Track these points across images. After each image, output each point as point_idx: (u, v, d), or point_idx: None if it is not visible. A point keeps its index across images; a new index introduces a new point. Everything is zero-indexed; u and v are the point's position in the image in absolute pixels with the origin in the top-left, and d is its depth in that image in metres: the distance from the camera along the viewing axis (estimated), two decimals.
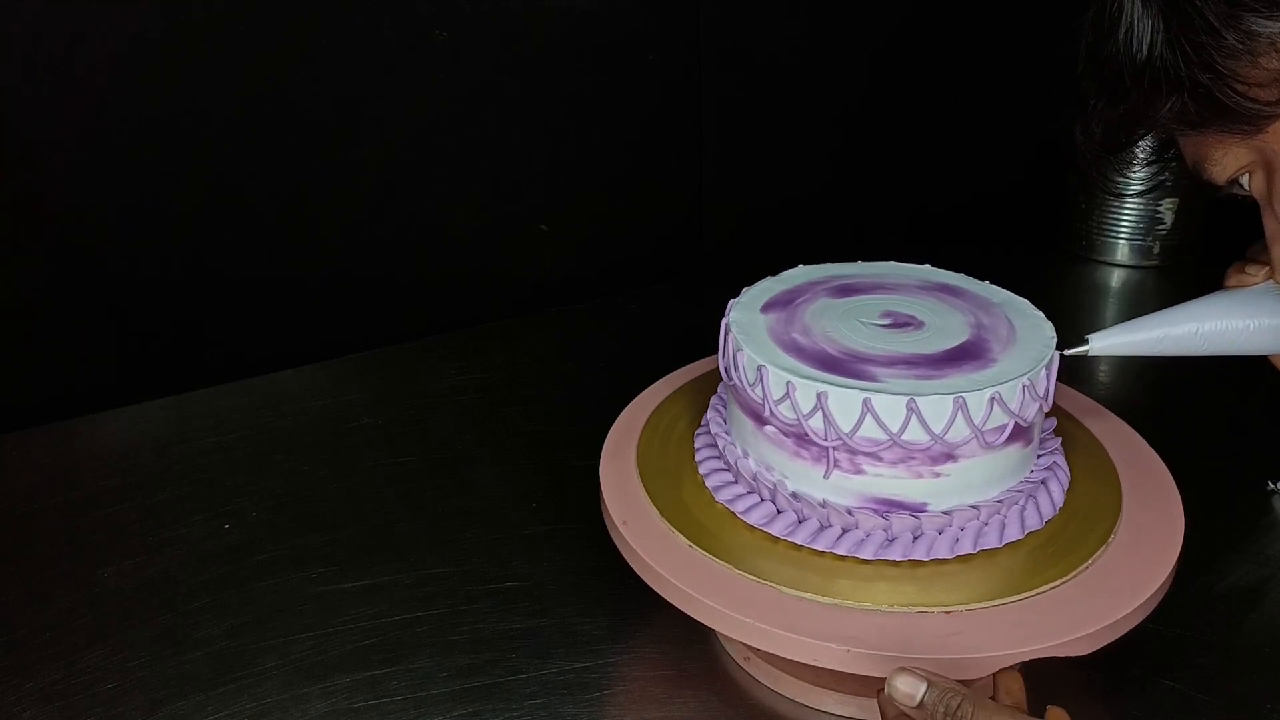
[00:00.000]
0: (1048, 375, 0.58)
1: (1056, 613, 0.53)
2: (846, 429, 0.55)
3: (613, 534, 0.61)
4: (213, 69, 0.88)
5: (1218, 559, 0.70)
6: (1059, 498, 0.61)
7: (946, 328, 0.61)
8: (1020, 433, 0.57)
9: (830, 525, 0.57)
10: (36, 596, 0.68)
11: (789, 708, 0.60)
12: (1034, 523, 0.58)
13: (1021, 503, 0.59)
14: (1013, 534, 0.57)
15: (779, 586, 0.55)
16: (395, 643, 0.64)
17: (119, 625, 0.66)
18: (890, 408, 0.54)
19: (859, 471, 0.56)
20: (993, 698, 0.50)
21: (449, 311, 1.05)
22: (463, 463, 0.83)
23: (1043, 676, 0.52)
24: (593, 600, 0.67)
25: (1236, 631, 0.65)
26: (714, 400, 0.67)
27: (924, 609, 0.53)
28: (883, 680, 0.47)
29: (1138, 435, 0.68)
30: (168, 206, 0.91)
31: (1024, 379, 0.55)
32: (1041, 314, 0.63)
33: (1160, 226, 1.13)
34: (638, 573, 0.58)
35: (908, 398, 0.54)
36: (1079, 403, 0.71)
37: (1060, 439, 0.64)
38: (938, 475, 0.56)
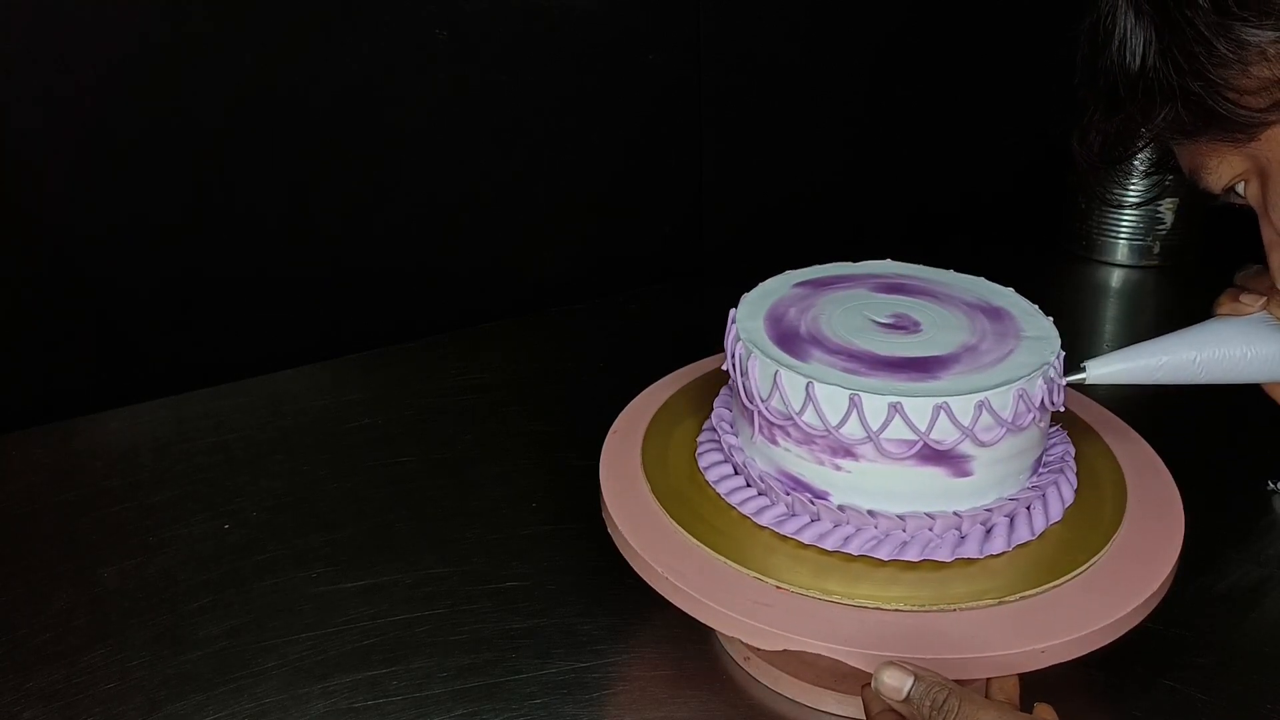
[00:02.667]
0: (986, 409, 0.54)
1: (1056, 613, 0.53)
2: (763, 396, 0.58)
3: (613, 534, 0.61)
4: (212, 67, 0.88)
5: (1218, 559, 0.70)
6: (1036, 525, 0.58)
7: (935, 340, 0.60)
8: (937, 456, 0.55)
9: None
10: (36, 596, 0.68)
11: (789, 708, 0.60)
12: (943, 552, 0.56)
13: (936, 529, 0.57)
14: (912, 554, 0.55)
15: (782, 584, 0.55)
16: (395, 643, 0.64)
17: (119, 625, 0.66)
18: (794, 385, 0.56)
19: (774, 442, 0.59)
20: (986, 695, 0.50)
21: (449, 311, 1.05)
22: (463, 463, 0.83)
23: (1043, 676, 0.52)
24: (593, 600, 0.67)
25: (1236, 631, 0.65)
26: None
27: (924, 608, 0.53)
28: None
29: (1137, 435, 0.68)
30: (167, 205, 0.91)
31: (938, 400, 0.54)
32: (1054, 362, 0.58)
33: (1160, 226, 1.13)
34: (638, 572, 0.58)
35: (808, 380, 0.55)
36: (1079, 401, 0.71)
37: (1068, 461, 0.62)
38: (838, 468, 0.57)
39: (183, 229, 0.92)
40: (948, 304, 0.64)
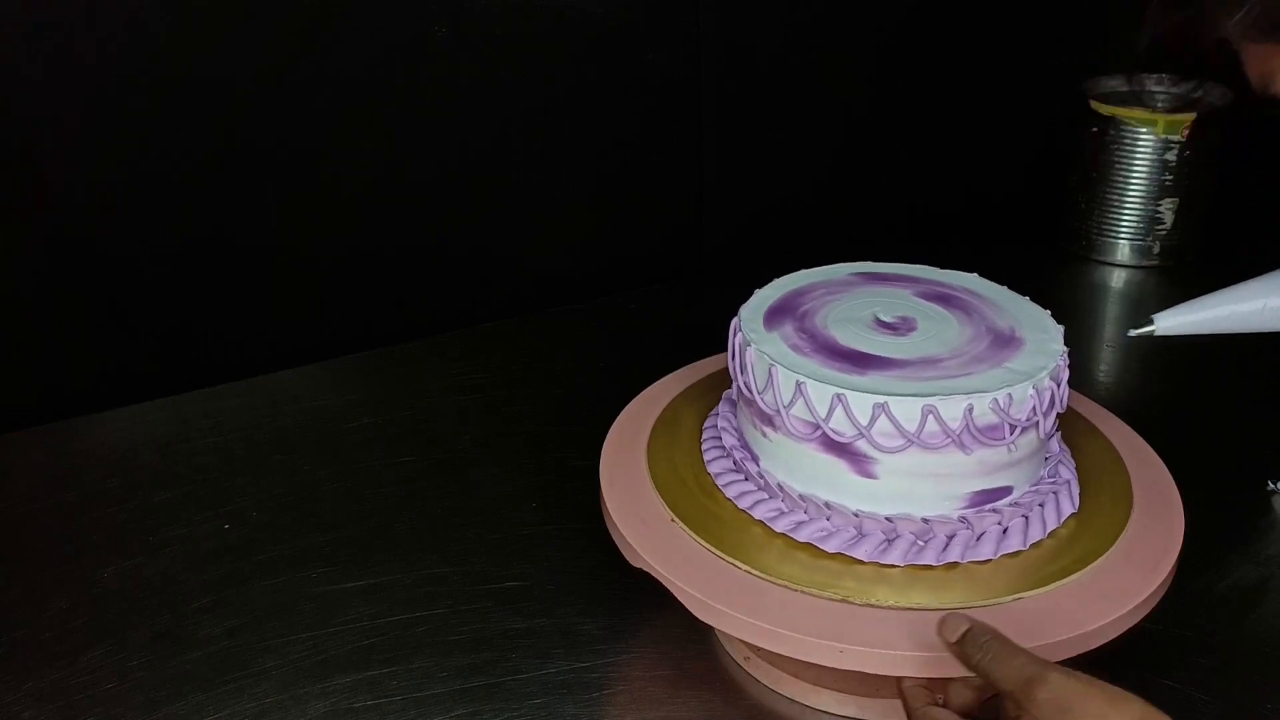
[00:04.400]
0: (884, 414, 0.54)
1: (1056, 612, 0.53)
2: (732, 355, 0.62)
3: (613, 534, 0.61)
4: (212, 67, 0.88)
5: (1218, 559, 0.70)
6: (949, 554, 0.56)
7: (912, 345, 0.60)
8: (838, 447, 0.55)
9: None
10: (36, 596, 0.68)
11: (789, 708, 0.60)
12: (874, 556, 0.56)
13: (834, 521, 0.57)
14: (802, 535, 0.57)
15: (781, 583, 0.55)
16: (395, 643, 0.64)
17: (119, 625, 0.66)
18: (741, 348, 0.61)
19: (738, 399, 0.63)
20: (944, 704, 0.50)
21: (449, 311, 1.05)
22: (463, 463, 0.83)
23: None
24: (593, 600, 0.67)
25: (1236, 631, 0.65)
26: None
27: (924, 608, 0.53)
28: (885, 680, 0.47)
29: (1137, 435, 0.68)
30: (167, 206, 0.91)
31: (839, 390, 0.54)
32: (998, 396, 0.54)
33: (1160, 226, 1.13)
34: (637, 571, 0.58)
35: (749, 346, 0.59)
36: (1081, 402, 0.71)
37: (1038, 511, 0.59)
38: (764, 435, 0.60)
39: (183, 229, 0.92)
40: (972, 321, 0.62)
